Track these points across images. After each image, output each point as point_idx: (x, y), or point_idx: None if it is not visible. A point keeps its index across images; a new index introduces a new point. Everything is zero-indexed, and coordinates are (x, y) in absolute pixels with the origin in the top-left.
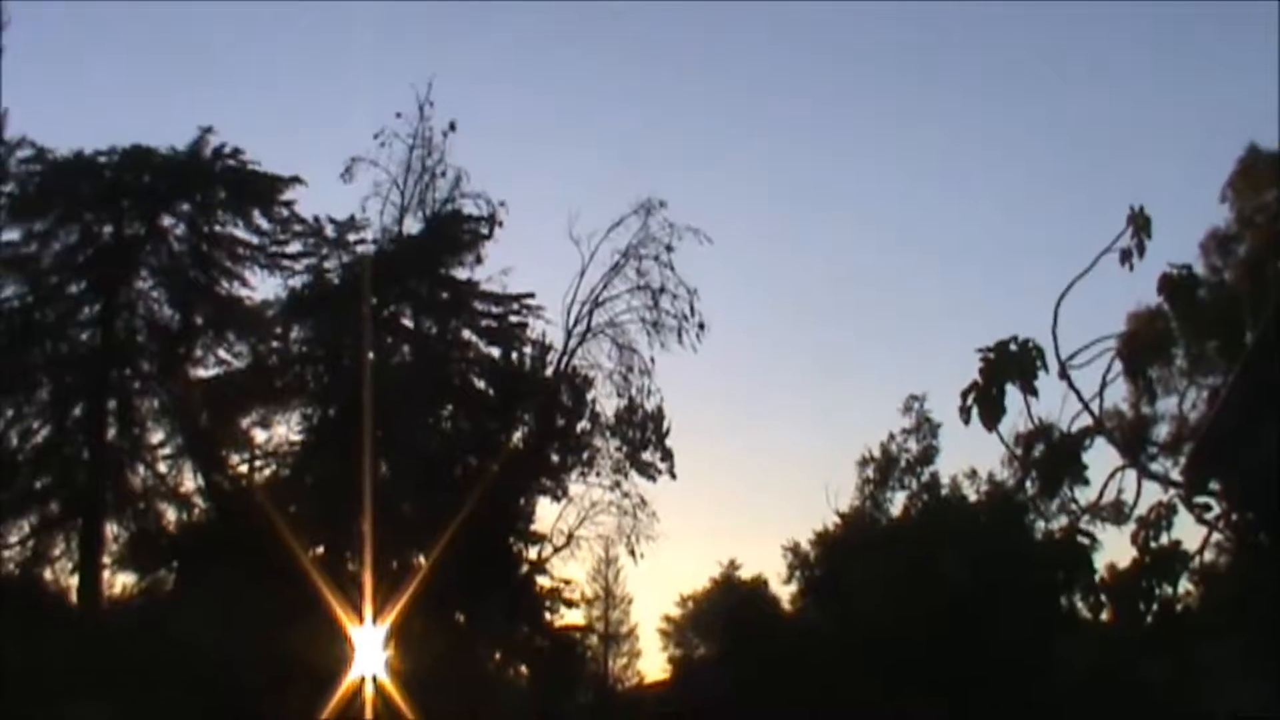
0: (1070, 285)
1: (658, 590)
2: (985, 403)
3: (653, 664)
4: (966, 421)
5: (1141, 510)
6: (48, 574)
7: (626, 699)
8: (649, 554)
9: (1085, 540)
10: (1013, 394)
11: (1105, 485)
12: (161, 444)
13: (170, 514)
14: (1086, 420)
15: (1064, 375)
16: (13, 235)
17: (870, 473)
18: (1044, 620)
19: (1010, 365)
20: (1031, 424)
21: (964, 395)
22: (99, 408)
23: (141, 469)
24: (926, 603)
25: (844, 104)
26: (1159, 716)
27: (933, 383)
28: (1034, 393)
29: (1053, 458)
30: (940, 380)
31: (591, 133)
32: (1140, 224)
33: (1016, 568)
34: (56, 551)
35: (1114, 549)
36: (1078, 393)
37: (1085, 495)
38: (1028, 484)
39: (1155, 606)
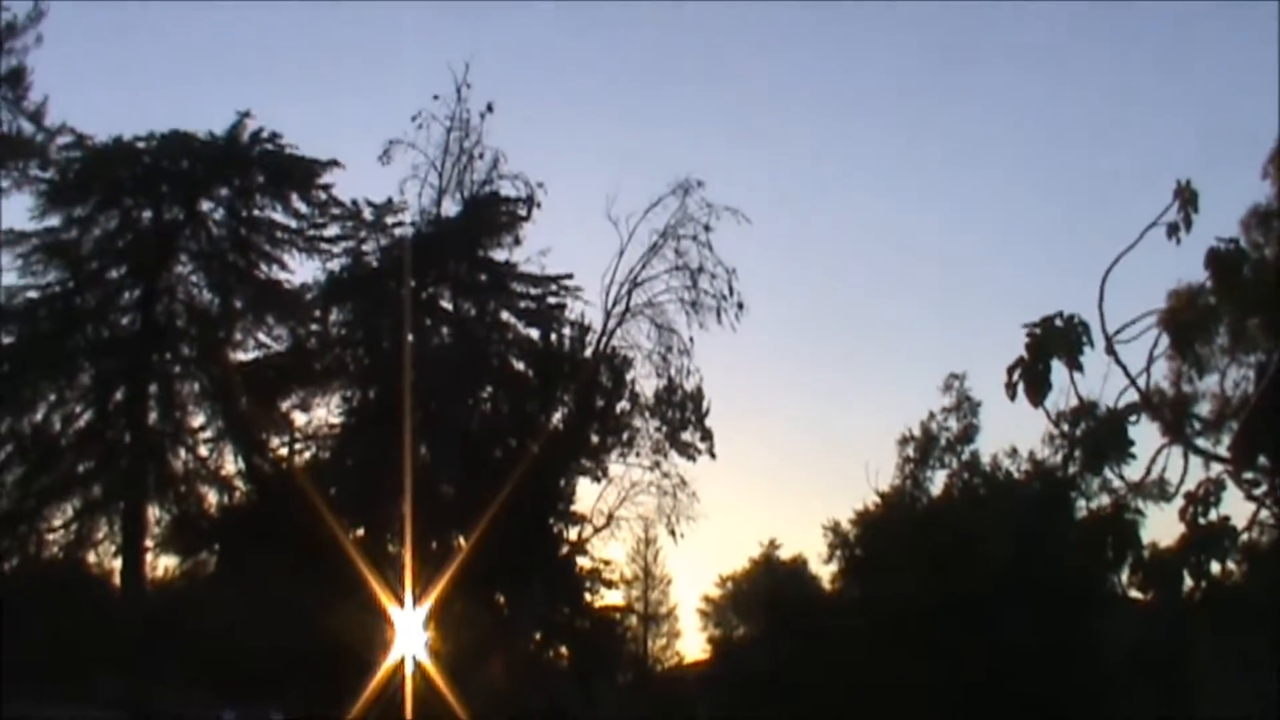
0: (1116, 260)
1: (697, 570)
2: (1031, 379)
3: (692, 644)
4: (1012, 398)
5: (1187, 487)
6: (91, 557)
7: (666, 679)
8: (689, 534)
9: (1133, 516)
10: (1057, 371)
11: (1152, 461)
12: (202, 427)
13: (211, 497)
14: (1131, 396)
15: (1110, 351)
16: (54, 221)
17: (910, 451)
18: (1088, 598)
19: (1056, 341)
20: (1077, 400)
21: (1009, 371)
22: (140, 392)
23: (183, 452)
24: (967, 581)
25: (884, 79)
26: (1203, 696)
27: (973, 361)
28: (1079, 369)
29: (1098, 434)
30: (980, 358)
31: (629, 113)
32: (1187, 198)
33: (1060, 545)
34: (100, 534)
35: (1155, 529)
36: (1124, 368)
37: (1130, 473)
38: (1073, 461)
39: (1203, 585)
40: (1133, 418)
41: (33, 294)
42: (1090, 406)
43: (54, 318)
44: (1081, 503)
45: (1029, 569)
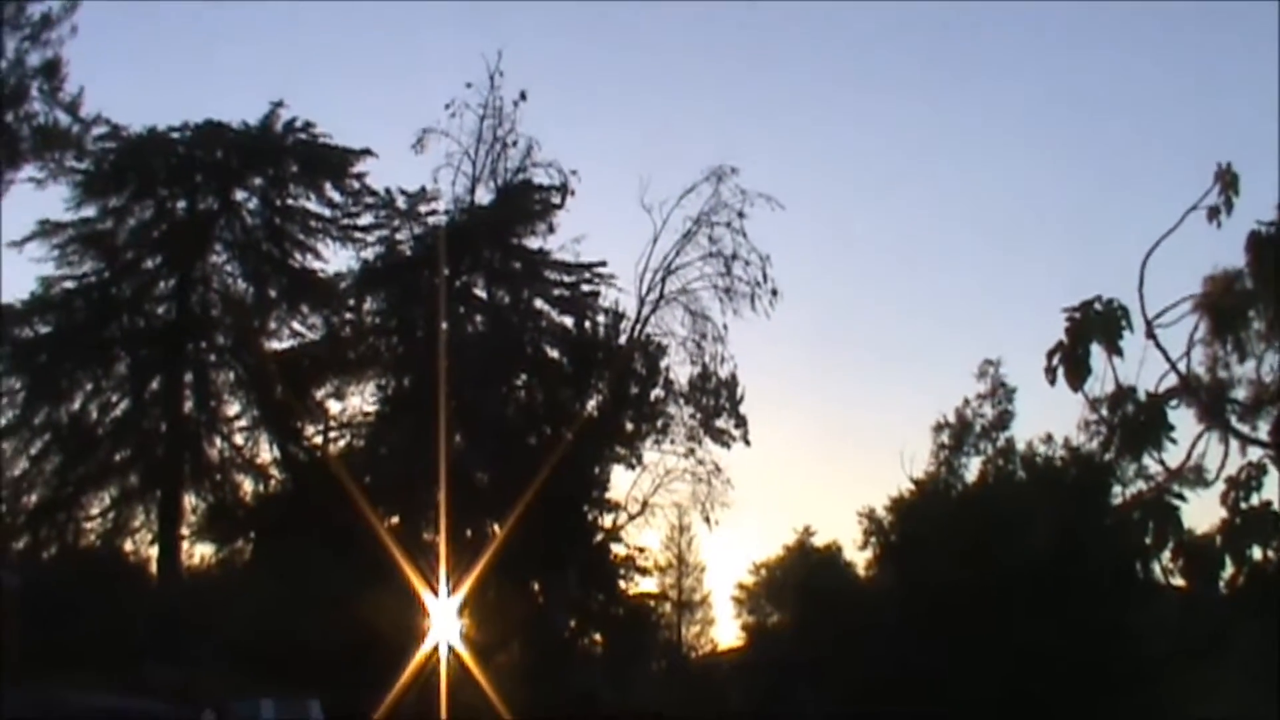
0: (1156, 244)
1: (731, 558)
2: (1071, 363)
3: (726, 632)
4: (1052, 382)
5: (1227, 473)
6: (128, 545)
7: (700, 666)
8: (723, 521)
9: (1174, 501)
10: (1095, 356)
11: (1193, 445)
12: (238, 416)
13: (247, 485)
14: (1170, 382)
15: (1150, 335)
16: (89, 212)
17: (945, 438)
18: (1126, 585)
19: (1096, 325)
20: (1116, 385)
21: (1049, 355)
22: (176, 381)
23: (218, 441)
24: (1003, 568)
25: (919, 62)
26: (1244, 683)
27: (1008, 347)
28: (1119, 353)
29: (1138, 418)
30: (1015, 345)
31: (662, 100)
32: (1228, 181)
33: (1098, 531)
34: (136, 523)
35: (1191, 516)
36: (1164, 352)
37: (1168, 459)
38: (1113, 445)
39: (1245, 570)
40: (1173, 402)
41: (69, 284)
42: (1129, 391)
43: (90, 308)
44: (1117, 489)
45: (1066, 555)
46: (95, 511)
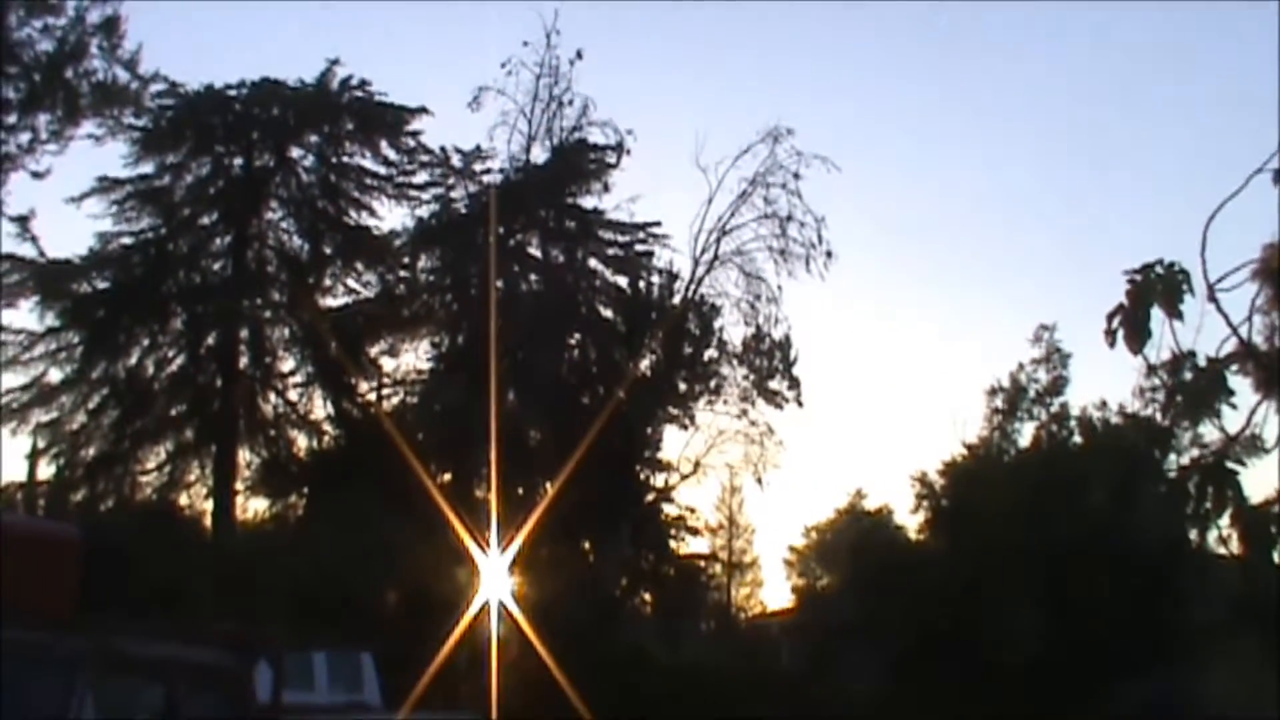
0: (1220, 207)
1: (782, 520)
2: (1131, 325)
3: (777, 594)
4: (1112, 344)
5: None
6: (183, 498)
7: (750, 627)
8: (774, 483)
9: (1235, 466)
10: (1155, 320)
11: (1251, 414)
12: (292, 372)
13: (301, 441)
14: (1232, 346)
15: (1212, 299)
16: (147, 168)
17: (999, 402)
18: (1180, 552)
19: (1156, 288)
20: (1174, 349)
21: (1109, 318)
22: (231, 337)
23: (273, 396)
24: (1056, 533)
25: (976, 24)
26: None
27: (1063, 313)
28: (1179, 317)
29: (1198, 382)
30: (1071, 310)
31: (719, 60)
32: None
33: (1153, 497)
34: (191, 477)
35: (1248, 484)
36: (1226, 317)
37: (1228, 424)
38: (1172, 410)
39: None
40: (1233, 367)
41: (127, 240)
42: (1189, 355)
43: (147, 263)
44: (1172, 457)
45: (1119, 521)
46: (151, 465)
